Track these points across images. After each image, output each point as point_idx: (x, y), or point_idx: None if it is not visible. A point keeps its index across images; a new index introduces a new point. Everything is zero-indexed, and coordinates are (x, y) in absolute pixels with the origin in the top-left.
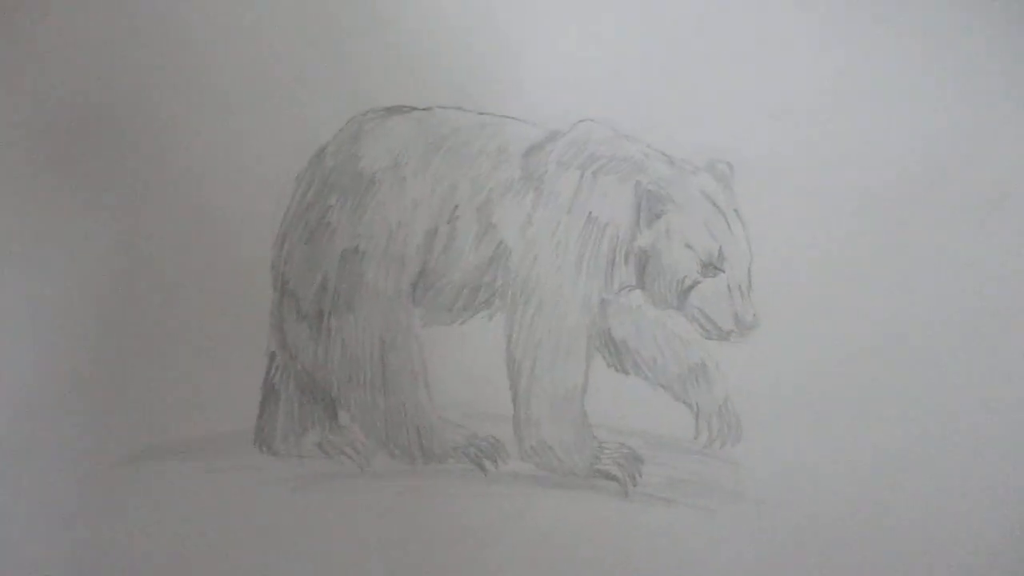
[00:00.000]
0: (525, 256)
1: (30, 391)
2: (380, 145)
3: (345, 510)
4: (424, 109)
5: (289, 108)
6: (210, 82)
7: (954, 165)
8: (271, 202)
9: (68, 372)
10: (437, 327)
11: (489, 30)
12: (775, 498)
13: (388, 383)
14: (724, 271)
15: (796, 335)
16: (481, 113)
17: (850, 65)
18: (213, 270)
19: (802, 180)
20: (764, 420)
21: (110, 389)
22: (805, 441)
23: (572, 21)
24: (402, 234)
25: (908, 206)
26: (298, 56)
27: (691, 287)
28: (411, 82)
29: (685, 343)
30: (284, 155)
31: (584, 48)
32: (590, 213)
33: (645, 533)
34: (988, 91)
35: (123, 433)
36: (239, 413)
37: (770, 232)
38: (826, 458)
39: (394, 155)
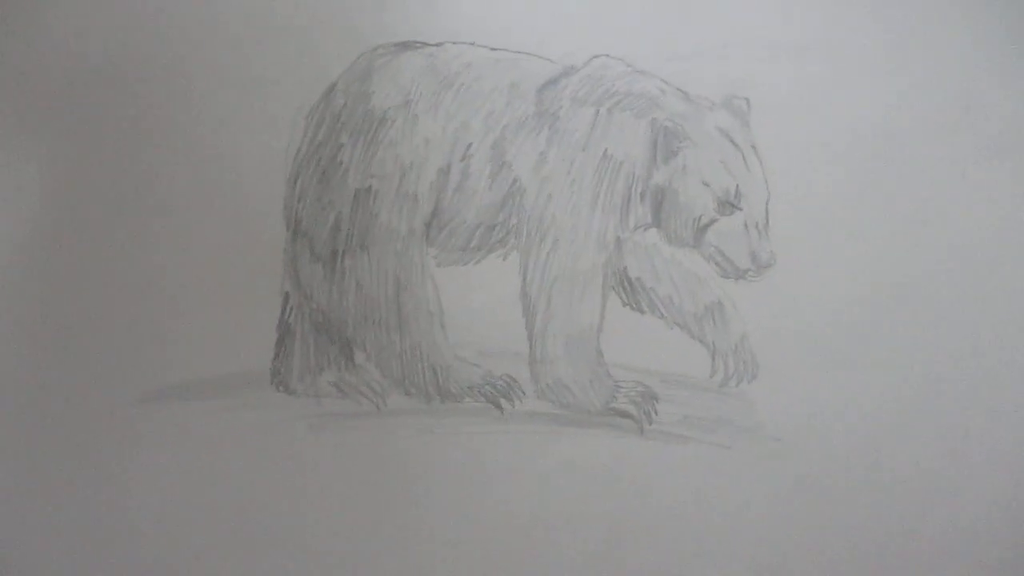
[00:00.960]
0: (540, 194)
1: (49, 331)
2: (391, 82)
3: (361, 449)
4: (435, 44)
5: (298, 44)
6: (219, 19)
7: (969, 108)
8: (283, 141)
9: (86, 312)
10: (452, 266)
11: None
12: (790, 436)
13: (403, 323)
14: (741, 209)
15: (812, 274)
16: (494, 48)
17: (868, 9)
18: (226, 210)
19: (819, 118)
20: (780, 359)
21: (128, 329)
22: (820, 379)
23: None
24: (415, 173)
25: (923, 148)
26: None
27: (708, 225)
28: (422, 17)
29: (701, 281)
30: (294, 93)
31: None
32: (606, 150)
33: (661, 470)
34: (1002, 39)
35: (140, 373)
36: (255, 353)
37: (787, 170)
38: (840, 396)
39: (405, 92)
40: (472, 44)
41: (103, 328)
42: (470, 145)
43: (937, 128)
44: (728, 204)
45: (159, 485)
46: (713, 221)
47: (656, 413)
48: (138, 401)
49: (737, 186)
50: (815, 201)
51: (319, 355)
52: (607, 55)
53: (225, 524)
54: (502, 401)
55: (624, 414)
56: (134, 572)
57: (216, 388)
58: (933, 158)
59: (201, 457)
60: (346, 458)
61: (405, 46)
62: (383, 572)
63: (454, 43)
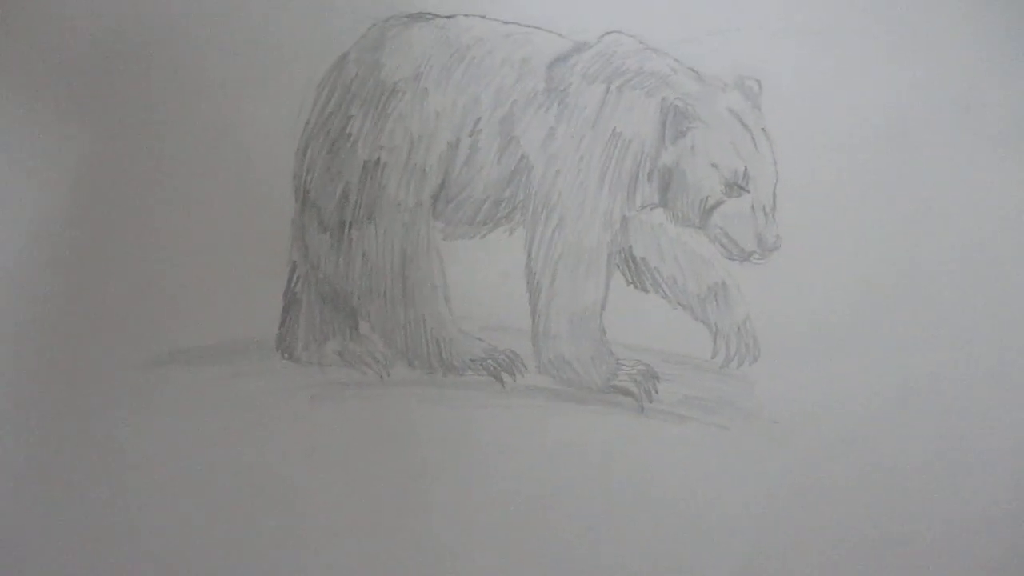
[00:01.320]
0: (547, 171)
1: (57, 298)
2: (402, 54)
3: (363, 418)
4: (447, 17)
5: (309, 14)
6: None
7: (980, 97)
8: (292, 111)
9: (94, 278)
10: (458, 240)
11: None
12: (788, 418)
13: (408, 295)
14: (749, 191)
15: (815, 261)
16: (506, 22)
17: None
18: (236, 179)
19: (824, 106)
20: (781, 343)
21: (135, 294)
22: (821, 363)
23: None
24: (423, 146)
25: (933, 135)
26: None
27: (714, 206)
28: None
29: (706, 263)
30: (305, 63)
31: None
32: (614, 128)
33: (659, 448)
34: (1009, 22)
35: (148, 338)
36: (262, 321)
37: (792, 158)
38: (840, 380)
39: (416, 65)
40: (484, 17)
41: (112, 294)
42: (479, 119)
43: (942, 117)
44: (736, 186)
45: (163, 448)
46: (720, 202)
47: (656, 392)
48: (145, 366)
49: (746, 168)
50: (819, 188)
51: (324, 324)
52: (619, 32)
53: (227, 488)
54: (504, 375)
55: (625, 392)
56: (135, 534)
57: (222, 355)
58: (938, 148)
59: (205, 422)
60: (348, 427)
61: (417, 18)
62: (382, 540)
63: (466, 16)
